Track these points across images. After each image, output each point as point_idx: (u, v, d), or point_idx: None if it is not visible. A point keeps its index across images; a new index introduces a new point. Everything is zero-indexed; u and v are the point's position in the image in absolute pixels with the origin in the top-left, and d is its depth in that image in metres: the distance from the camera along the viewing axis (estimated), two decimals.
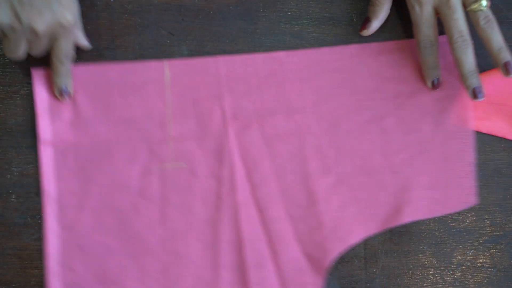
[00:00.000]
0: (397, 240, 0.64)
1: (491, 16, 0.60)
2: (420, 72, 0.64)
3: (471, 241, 0.65)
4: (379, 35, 0.65)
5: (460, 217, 0.65)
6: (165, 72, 0.64)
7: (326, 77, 0.64)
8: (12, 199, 0.63)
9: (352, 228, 0.63)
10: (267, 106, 0.64)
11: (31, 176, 0.63)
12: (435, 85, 0.62)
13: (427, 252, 0.64)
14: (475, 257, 0.65)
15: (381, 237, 0.64)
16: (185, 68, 0.64)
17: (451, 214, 0.64)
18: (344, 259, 0.64)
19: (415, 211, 0.62)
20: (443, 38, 0.63)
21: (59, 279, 0.62)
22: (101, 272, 0.62)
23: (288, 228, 0.63)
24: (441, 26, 0.62)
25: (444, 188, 0.63)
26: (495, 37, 0.59)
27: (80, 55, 0.63)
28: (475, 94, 0.60)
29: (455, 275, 0.64)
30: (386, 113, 0.64)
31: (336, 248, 0.62)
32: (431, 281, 0.64)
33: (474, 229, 0.65)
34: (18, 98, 0.64)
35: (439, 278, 0.64)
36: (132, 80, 0.64)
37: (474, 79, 0.60)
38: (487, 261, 0.65)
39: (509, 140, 0.65)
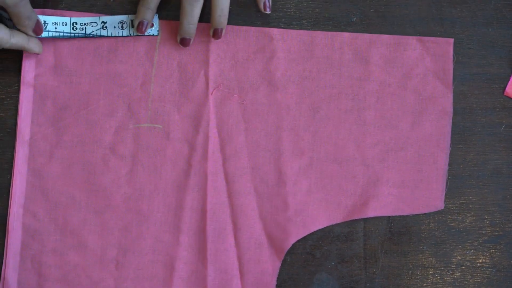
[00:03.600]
0: (396, 240, 0.64)
1: None
2: (407, 69, 0.64)
3: (470, 241, 0.65)
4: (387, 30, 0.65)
5: (460, 217, 0.65)
6: (159, 32, 0.64)
7: (313, 60, 0.64)
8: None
9: (316, 214, 0.63)
10: (250, 80, 0.64)
11: None
12: (183, 43, 0.63)
13: (426, 252, 0.64)
14: (474, 257, 0.65)
15: (381, 237, 0.64)
16: (176, 30, 0.64)
17: (450, 214, 0.64)
18: (344, 259, 0.64)
19: (381, 207, 0.63)
20: (438, 40, 0.63)
21: (18, 221, 0.62)
22: (62, 222, 0.62)
23: (253, 204, 0.63)
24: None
25: (413, 188, 0.64)
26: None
27: None
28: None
29: (454, 275, 0.65)
30: (367, 105, 0.64)
31: (298, 232, 0.63)
32: (431, 281, 0.64)
33: (474, 229, 0.65)
34: (18, 99, 0.64)
35: (439, 278, 0.64)
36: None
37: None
38: (486, 261, 0.65)
39: (509, 140, 0.65)
